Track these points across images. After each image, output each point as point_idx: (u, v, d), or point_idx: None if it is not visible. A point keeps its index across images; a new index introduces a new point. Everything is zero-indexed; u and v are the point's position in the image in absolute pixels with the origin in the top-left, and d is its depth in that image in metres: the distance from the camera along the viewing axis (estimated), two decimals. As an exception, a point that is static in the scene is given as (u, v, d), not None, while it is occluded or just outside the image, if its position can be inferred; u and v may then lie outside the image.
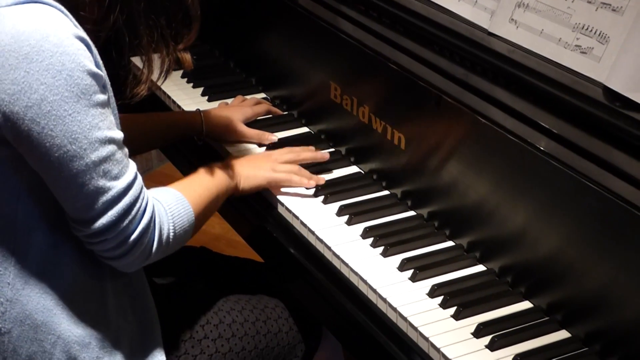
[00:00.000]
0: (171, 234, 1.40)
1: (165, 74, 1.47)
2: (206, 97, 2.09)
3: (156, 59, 1.44)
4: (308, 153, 1.80)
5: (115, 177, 1.30)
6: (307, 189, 1.73)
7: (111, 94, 1.37)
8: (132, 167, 1.34)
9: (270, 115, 2.01)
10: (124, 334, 1.46)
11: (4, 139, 1.27)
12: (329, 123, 1.91)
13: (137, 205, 1.33)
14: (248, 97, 2.05)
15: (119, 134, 1.32)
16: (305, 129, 1.97)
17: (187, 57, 1.49)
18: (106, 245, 1.34)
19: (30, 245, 1.35)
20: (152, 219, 1.36)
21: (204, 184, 1.56)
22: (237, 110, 1.96)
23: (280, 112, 2.02)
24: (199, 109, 1.93)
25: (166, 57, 1.43)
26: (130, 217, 1.32)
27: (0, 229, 1.34)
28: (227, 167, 1.64)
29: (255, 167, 1.70)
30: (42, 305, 1.37)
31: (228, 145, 1.90)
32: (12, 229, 1.34)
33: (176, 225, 1.42)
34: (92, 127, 1.27)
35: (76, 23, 1.28)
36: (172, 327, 1.60)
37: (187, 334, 1.62)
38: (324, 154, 1.81)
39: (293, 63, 2.01)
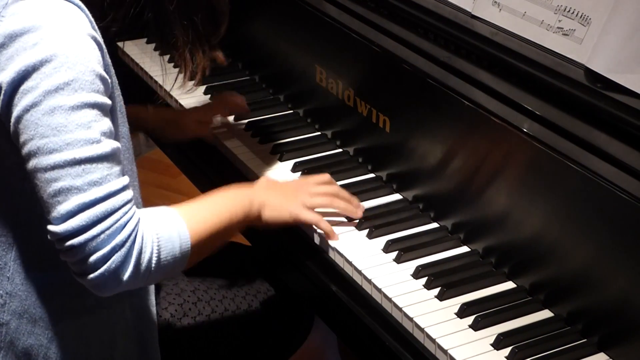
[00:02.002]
0: (154, 260, 1.26)
1: (202, 73, 1.44)
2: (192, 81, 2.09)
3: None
4: (342, 204, 1.59)
5: (95, 182, 1.21)
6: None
7: (120, 98, 1.35)
8: (120, 180, 1.24)
9: (256, 100, 2.02)
10: (120, 330, 1.46)
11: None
12: (315, 106, 1.92)
13: (114, 217, 1.22)
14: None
15: (112, 143, 1.24)
16: (291, 112, 1.98)
17: (219, 54, 1.47)
18: (74, 255, 1.23)
19: (31, 240, 1.34)
20: (129, 238, 1.23)
21: (215, 208, 1.40)
22: (193, 111, 1.89)
23: (246, 109, 1.94)
24: (147, 105, 1.87)
25: (202, 56, 1.40)
26: (102, 227, 1.21)
27: (1, 223, 1.34)
28: (250, 193, 1.49)
29: (285, 197, 1.54)
30: (40, 299, 1.36)
31: (216, 132, 1.90)
32: (13, 223, 1.34)
33: (162, 251, 1.27)
34: (80, 125, 1.21)
35: (94, 23, 1.27)
36: (166, 319, 1.61)
37: (180, 326, 1.63)
38: (359, 211, 1.60)
39: (279, 47, 2.02)
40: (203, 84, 2.08)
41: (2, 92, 1.22)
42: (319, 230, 1.58)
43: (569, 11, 1.42)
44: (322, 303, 1.60)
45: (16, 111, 1.22)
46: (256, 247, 1.86)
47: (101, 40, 1.28)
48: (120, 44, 2.20)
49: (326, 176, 1.65)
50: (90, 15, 1.27)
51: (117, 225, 1.22)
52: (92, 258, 1.22)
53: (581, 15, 1.40)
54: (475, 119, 1.49)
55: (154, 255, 1.26)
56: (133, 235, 1.24)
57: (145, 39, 2.27)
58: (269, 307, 1.73)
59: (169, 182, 3.02)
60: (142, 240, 1.25)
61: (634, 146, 1.28)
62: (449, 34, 1.59)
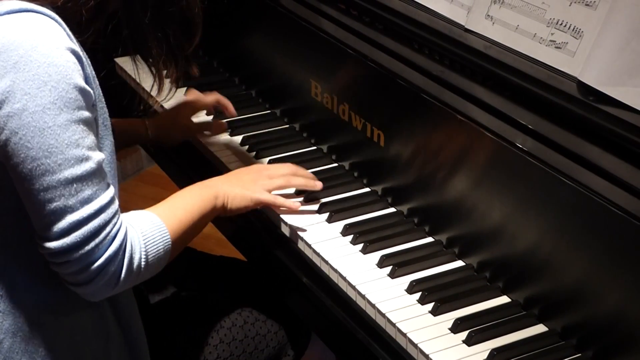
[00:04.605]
0: (142, 262, 1.32)
1: (176, 84, 1.45)
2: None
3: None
4: (301, 180, 1.69)
5: (87, 200, 1.24)
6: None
7: (104, 111, 1.34)
8: (108, 191, 1.28)
9: (253, 115, 2.02)
10: (113, 347, 1.45)
11: None
12: (310, 121, 1.92)
13: (106, 230, 1.26)
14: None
15: (98, 156, 1.26)
16: (286, 127, 1.98)
17: (193, 65, 1.48)
18: (69, 268, 1.26)
19: (23, 258, 1.34)
20: (121, 247, 1.28)
21: (186, 207, 1.47)
22: (182, 106, 1.93)
23: (231, 109, 1.97)
24: (144, 119, 1.89)
25: (176, 68, 1.41)
26: (96, 241, 1.25)
27: None
28: (213, 187, 1.56)
29: (244, 186, 1.60)
30: (34, 317, 1.35)
31: (212, 147, 1.90)
32: (4, 242, 1.33)
33: (149, 253, 1.33)
34: (70, 144, 1.22)
35: (71, 35, 1.26)
36: (158, 335, 1.61)
37: (174, 342, 1.63)
38: (317, 184, 1.70)
39: (275, 62, 2.02)
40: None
41: None
42: (313, 246, 1.58)
43: (561, 24, 1.42)
44: (317, 318, 1.59)
45: (3, 134, 1.21)
46: (252, 263, 1.86)
47: (80, 52, 1.27)
48: (117, 60, 2.21)
49: (287, 165, 1.71)
50: (66, 27, 1.26)
51: (108, 237, 1.27)
52: (88, 271, 1.26)
53: (573, 29, 1.40)
54: (469, 133, 1.49)
55: (143, 258, 1.32)
56: (123, 244, 1.29)
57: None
58: (266, 322, 1.73)
59: (169, 196, 3.03)
60: (131, 246, 1.31)
61: (626, 159, 1.28)
62: (442, 48, 1.59)
